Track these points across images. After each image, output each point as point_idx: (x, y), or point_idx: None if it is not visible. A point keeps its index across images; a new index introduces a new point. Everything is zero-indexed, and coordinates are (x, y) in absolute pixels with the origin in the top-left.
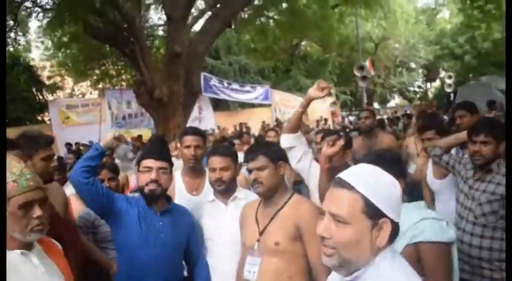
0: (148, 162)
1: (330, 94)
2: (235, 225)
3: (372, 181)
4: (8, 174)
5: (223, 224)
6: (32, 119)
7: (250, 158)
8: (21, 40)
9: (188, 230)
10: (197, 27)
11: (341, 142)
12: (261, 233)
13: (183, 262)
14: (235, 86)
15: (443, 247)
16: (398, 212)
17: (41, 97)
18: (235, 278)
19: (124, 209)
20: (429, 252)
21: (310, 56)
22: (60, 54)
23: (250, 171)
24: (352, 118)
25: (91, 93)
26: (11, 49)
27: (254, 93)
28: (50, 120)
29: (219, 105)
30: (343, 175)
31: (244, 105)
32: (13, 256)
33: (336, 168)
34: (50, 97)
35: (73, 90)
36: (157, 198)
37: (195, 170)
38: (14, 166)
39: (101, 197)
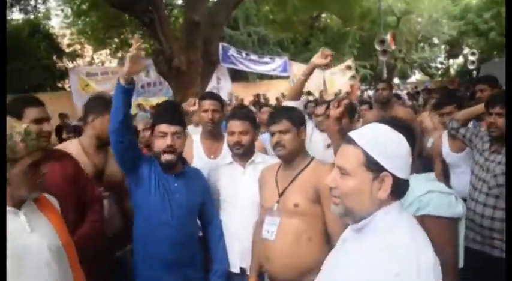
0: (163, 127)
1: (349, 68)
2: (252, 187)
3: (375, 137)
4: (13, 134)
5: (240, 186)
6: (52, 86)
7: (273, 121)
8: (41, 8)
9: (202, 191)
10: None
11: (346, 101)
12: (280, 195)
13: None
14: (253, 57)
15: (448, 222)
16: (403, 168)
17: (61, 65)
18: (252, 238)
19: (145, 173)
20: (433, 226)
21: (330, 28)
22: (79, 22)
23: (272, 134)
24: (371, 92)
25: (110, 62)
26: (31, 17)
27: (272, 64)
28: (70, 87)
29: (237, 76)
30: (351, 132)
31: (262, 76)
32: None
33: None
34: (69, 65)
35: (92, 58)
36: (174, 165)
37: (213, 134)
38: (16, 126)
39: (131, 157)
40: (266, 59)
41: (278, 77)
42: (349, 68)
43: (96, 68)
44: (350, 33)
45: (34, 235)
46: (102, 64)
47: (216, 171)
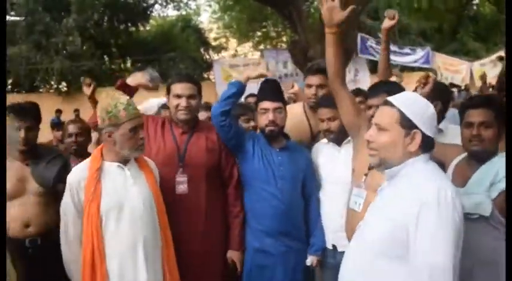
0: (265, 104)
1: (501, 59)
2: (346, 167)
3: (408, 100)
4: (118, 104)
5: (336, 165)
6: (198, 77)
7: (372, 95)
8: (192, 4)
9: (305, 166)
10: None
11: (434, 77)
12: (369, 168)
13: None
14: (393, 47)
15: None
16: (430, 128)
17: (207, 57)
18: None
19: (249, 146)
20: None
21: (482, 16)
22: (226, 17)
23: (370, 107)
24: None
25: (252, 54)
26: (183, 13)
27: (414, 55)
28: (214, 78)
29: (376, 68)
30: (389, 97)
31: (403, 68)
32: (112, 168)
33: None
34: (215, 57)
35: (236, 51)
36: (276, 136)
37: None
38: (120, 97)
39: (233, 137)
40: (407, 50)
41: (420, 69)
42: (501, 59)
43: (238, 60)
44: (503, 21)
45: (135, 188)
46: (245, 56)
47: (315, 150)
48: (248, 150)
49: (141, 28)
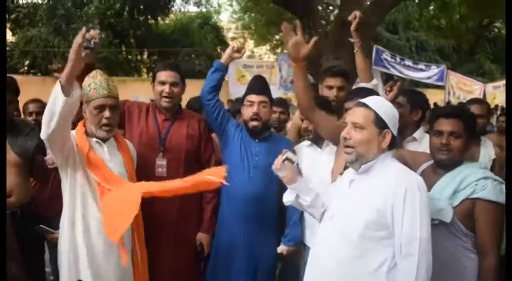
0: (251, 97)
1: None
2: (328, 168)
3: (380, 104)
4: (91, 83)
5: (317, 166)
6: None
7: (348, 98)
8: (214, 2)
9: None
10: None
11: (399, 84)
12: (344, 168)
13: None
14: (408, 62)
15: (497, 207)
16: (395, 128)
17: None
18: None
19: (231, 132)
20: (484, 210)
21: (501, 38)
22: (246, 17)
23: (346, 109)
24: None
25: (268, 57)
26: (203, 10)
27: (428, 72)
28: (228, 77)
29: (390, 81)
30: (363, 99)
31: (418, 84)
32: (92, 142)
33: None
34: None
35: (252, 52)
36: (259, 132)
37: None
38: (97, 77)
39: (217, 117)
40: (421, 66)
41: (435, 87)
42: None
43: (253, 61)
44: None
45: (111, 164)
46: (260, 58)
47: (297, 151)
48: (229, 135)
49: (161, 21)
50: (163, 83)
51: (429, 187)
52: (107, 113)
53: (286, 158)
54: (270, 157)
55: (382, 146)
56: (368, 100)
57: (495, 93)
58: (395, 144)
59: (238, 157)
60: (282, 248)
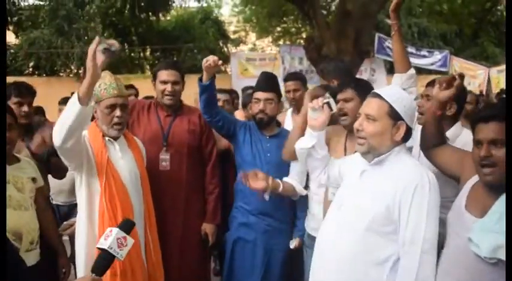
0: (257, 94)
1: None
2: None
3: (396, 95)
4: (101, 84)
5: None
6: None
7: (339, 90)
8: None
9: None
10: None
11: (459, 82)
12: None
13: None
14: (410, 49)
15: None
16: (412, 120)
17: (225, 50)
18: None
19: (240, 135)
20: None
21: (505, 22)
22: (247, 10)
23: (337, 102)
24: None
25: (271, 50)
26: (204, 4)
27: (431, 58)
28: (231, 71)
29: (393, 68)
30: (377, 90)
31: (421, 70)
32: (105, 141)
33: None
34: (233, 50)
35: (254, 45)
36: (266, 124)
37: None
38: (106, 77)
39: (223, 126)
40: (424, 52)
41: (438, 72)
42: None
43: (255, 54)
44: None
45: (122, 161)
46: (263, 51)
47: None
48: (239, 138)
49: (162, 18)
50: (165, 82)
51: (482, 209)
52: (117, 112)
53: (328, 103)
54: (281, 152)
55: (395, 138)
56: (382, 91)
57: (499, 78)
58: (410, 136)
59: (250, 155)
60: (293, 242)
